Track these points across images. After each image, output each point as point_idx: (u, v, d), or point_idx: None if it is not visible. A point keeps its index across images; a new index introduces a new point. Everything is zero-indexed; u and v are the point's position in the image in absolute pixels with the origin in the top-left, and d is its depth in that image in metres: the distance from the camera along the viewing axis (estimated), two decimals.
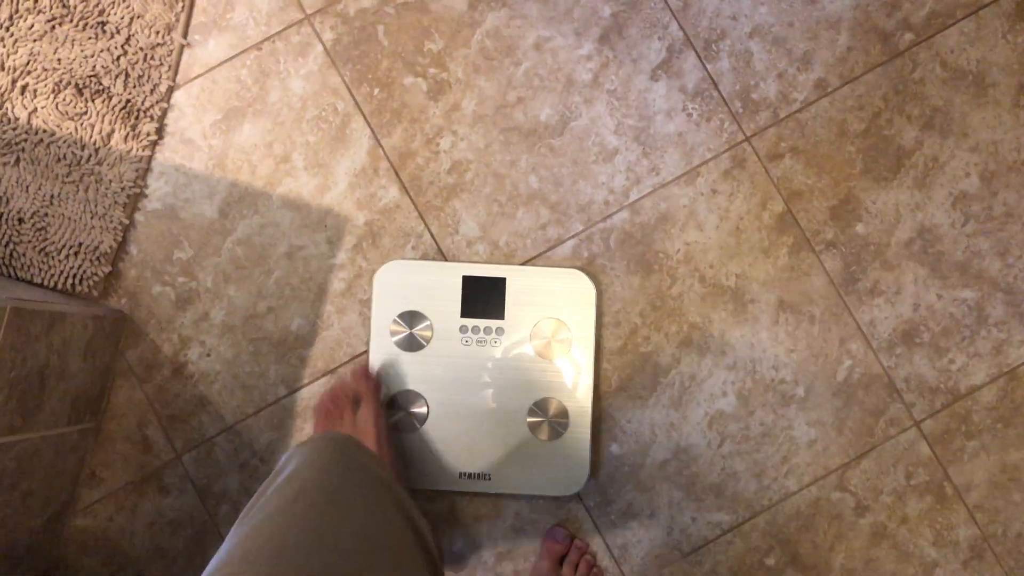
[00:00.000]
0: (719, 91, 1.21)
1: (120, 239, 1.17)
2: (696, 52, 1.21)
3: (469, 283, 1.17)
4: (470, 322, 1.16)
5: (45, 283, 1.14)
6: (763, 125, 1.21)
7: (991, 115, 1.21)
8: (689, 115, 1.21)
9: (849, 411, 1.19)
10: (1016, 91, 1.21)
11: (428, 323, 1.16)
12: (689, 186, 1.20)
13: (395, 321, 1.16)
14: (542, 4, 1.21)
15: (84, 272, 1.15)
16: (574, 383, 1.16)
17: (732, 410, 1.19)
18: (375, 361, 1.16)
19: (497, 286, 1.17)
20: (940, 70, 1.21)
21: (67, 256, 1.14)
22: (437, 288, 1.17)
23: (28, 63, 1.15)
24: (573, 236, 1.20)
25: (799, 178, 1.20)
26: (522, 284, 1.17)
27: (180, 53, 1.19)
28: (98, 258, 1.15)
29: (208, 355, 1.18)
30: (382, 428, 1.08)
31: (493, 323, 1.16)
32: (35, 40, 1.15)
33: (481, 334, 1.16)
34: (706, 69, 1.21)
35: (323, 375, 1.18)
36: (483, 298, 1.16)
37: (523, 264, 1.19)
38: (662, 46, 1.21)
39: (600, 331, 1.19)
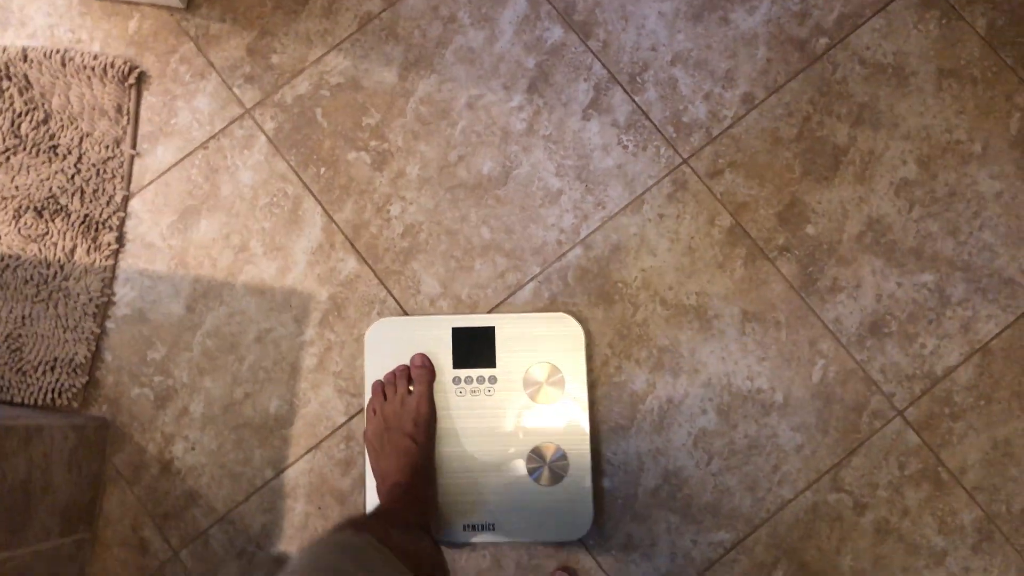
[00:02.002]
0: (650, 120, 1.20)
1: (94, 348, 1.14)
2: (622, 87, 1.20)
3: (459, 334, 1.13)
4: (462, 372, 1.13)
5: (25, 401, 1.12)
6: (698, 146, 1.19)
7: (916, 102, 1.19)
8: (625, 147, 1.19)
9: (831, 410, 1.14)
10: (936, 76, 1.19)
11: None
12: (636, 215, 1.18)
13: None
14: (469, 65, 1.21)
15: (62, 385, 1.12)
16: (570, 426, 1.12)
17: (714, 427, 1.14)
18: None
19: (487, 335, 1.13)
20: (860, 68, 1.20)
21: (44, 372, 1.12)
22: (427, 342, 1.13)
23: None
24: (532, 279, 1.17)
25: (742, 190, 1.18)
26: (511, 331, 1.13)
27: (131, 163, 1.19)
28: (74, 370, 1.13)
29: (193, 449, 1.15)
30: (425, 412, 1.09)
31: (485, 372, 1.13)
32: None
33: (474, 384, 1.12)
34: (634, 101, 1.20)
35: (307, 451, 1.14)
36: (474, 348, 1.13)
37: (488, 312, 1.16)
38: (589, 86, 1.20)
39: (591, 373, 1.15)
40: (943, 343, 1.15)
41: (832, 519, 1.12)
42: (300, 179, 1.19)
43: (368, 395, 1.13)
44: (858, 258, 1.16)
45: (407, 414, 1.09)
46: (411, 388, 1.11)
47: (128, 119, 1.18)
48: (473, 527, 1.10)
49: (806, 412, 1.14)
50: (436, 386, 1.12)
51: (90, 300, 1.14)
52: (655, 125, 1.19)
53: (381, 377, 1.13)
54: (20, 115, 1.15)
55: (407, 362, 1.13)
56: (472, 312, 1.16)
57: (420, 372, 1.12)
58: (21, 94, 1.16)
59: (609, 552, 1.12)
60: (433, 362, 1.13)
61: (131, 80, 1.19)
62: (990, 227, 1.17)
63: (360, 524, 0.88)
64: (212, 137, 1.20)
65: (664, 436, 1.14)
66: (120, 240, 1.18)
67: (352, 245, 1.18)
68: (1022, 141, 1.18)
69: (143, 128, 1.20)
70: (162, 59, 1.22)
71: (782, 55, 1.20)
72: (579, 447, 1.11)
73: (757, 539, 1.12)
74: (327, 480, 1.14)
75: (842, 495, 1.13)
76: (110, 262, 1.16)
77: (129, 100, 1.18)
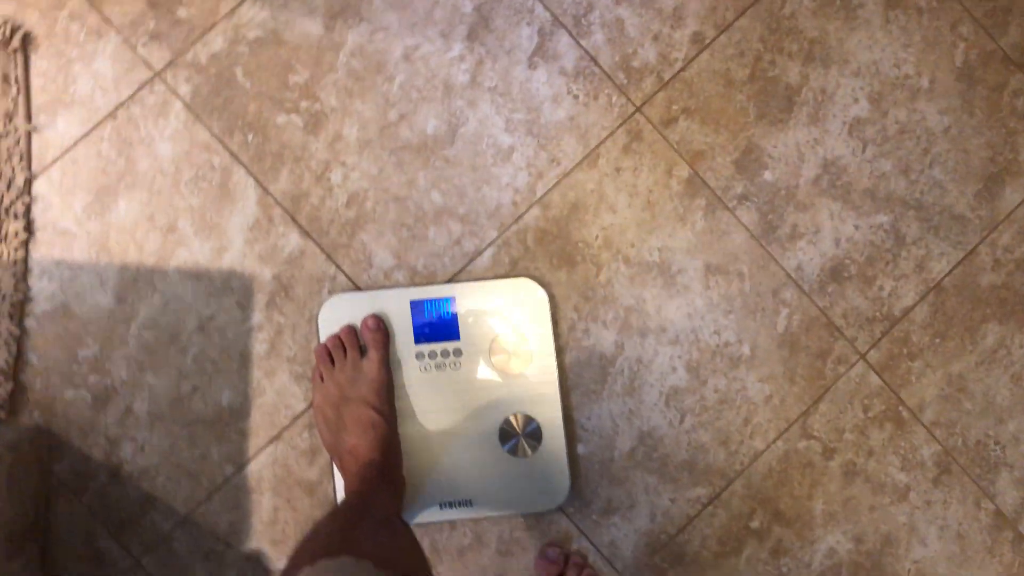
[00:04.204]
0: (599, 66, 1.41)
1: (15, 351, 1.28)
2: (567, 30, 1.41)
3: (418, 307, 1.33)
4: (425, 347, 1.32)
5: None
6: (650, 92, 1.42)
7: (865, 36, 1.45)
8: (575, 97, 1.40)
9: (797, 359, 1.41)
10: (883, 7, 1.45)
11: None
12: (592, 169, 1.40)
13: None
14: (401, 11, 1.38)
15: None
16: (541, 394, 1.34)
17: (685, 384, 1.39)
18: None
19: (447, 306, 1.33)
20: (808, 1, 1.45)
21: None
22: (385, 317, 1.32)
23: None
24: (490, 244, 1.38)
25: (698, 138, 1.42)
26: (472, 301, 1.34)
27: (29, 140, 1.31)
28: None
29: (142, 450, 1.31)
30: (385, 381, 1.29)
31: (449, 345, 1.33)
32: None
33: (439, 358, 1.32)
34: (581, 46, 1.41)
35: (268, 443, 1.33)
36: (435, 321, 1.33)
37: (447, 282, 1.36)
38: (532, 31, 1.40)
39: (559, 339, 1.38)
40: (899, 284, 1.44)
41: (803, 466, 1.41)
42: (226, 148, 1.34)
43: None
44: (816, 202, 1.43)
45: (366, 383, 1.28)
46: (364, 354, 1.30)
47: (18, 89, 1.29)
48: (450, 504, 1.32)
49: (773, 362, 1.41)
50: (400, 363, 1.32)
51: (3, 298, 1.27)
52: (605, 71, 1.41)
53: (325, 341, 1.31)
54: None
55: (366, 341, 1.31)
56: (430, 283, 1.36)
57: (375, 336, 1.30)
58: None
59: (589, 517, 1.37)
60: (394, 338, 1.32)
61: (15, 43, 1.30)
62: (939, 163, 1.45)
63: (351, 535, 1.03)
64: (120, 105, 1.34)
65: (636, 397, 1.38)
66: (29, 228, 1.31)
67: (292, 219, 1.35)
68: (967, 74, 1.46)
69: (37, 98, 1.33)
70: (48, 16, 1.34)
71: None
72: (551, 415, 1.34)
73: (733, 492, 1.39)
74: (293, 471, 1.33)
75: (811, 442, 1.41)
76: (20, 254, 1.28)
77: (16, 67, 1.29)
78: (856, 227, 1.43)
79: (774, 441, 1.41)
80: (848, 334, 1.42)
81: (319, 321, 1.32)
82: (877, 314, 1.43)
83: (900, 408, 1.43)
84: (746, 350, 1.41)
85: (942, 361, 1.44)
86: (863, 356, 1.43)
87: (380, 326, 1.31)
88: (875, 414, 1.42)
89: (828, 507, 1.41)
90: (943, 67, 1.46)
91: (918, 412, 1.43)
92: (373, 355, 1.29)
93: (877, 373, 1.43)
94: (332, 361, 1.29)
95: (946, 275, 1.44)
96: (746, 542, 1.40)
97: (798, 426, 1.41)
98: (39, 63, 1.33)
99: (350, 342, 1.30)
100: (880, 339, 1.43)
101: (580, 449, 1.38)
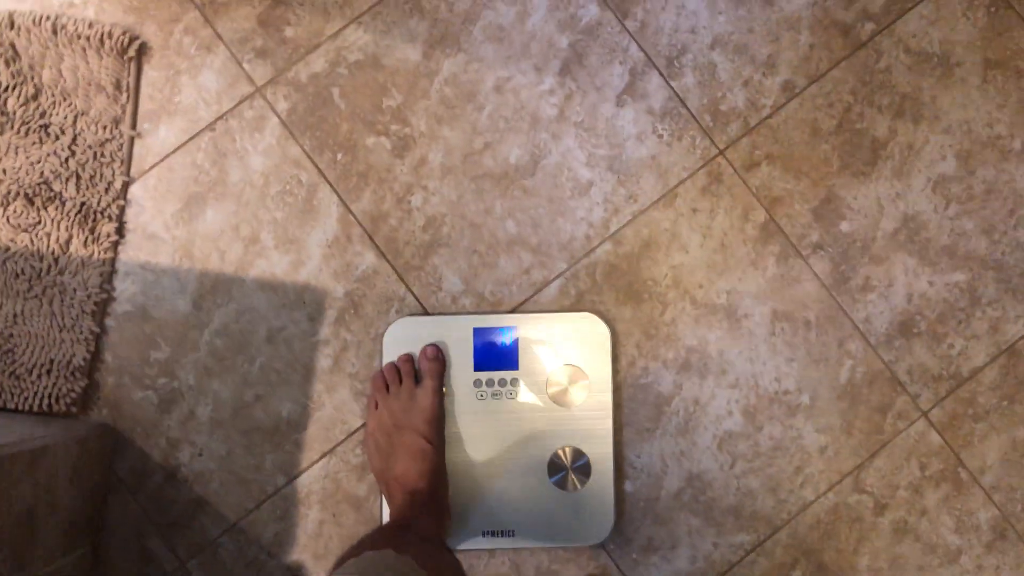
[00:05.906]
0: (687, 108, 1.27)
1: (93, 349, 1.20)
2: (659, 71, 1.27)
3: (481, 335, 1.22)
4: (484, 375, 1.22)
5: (20, 407, 1.18)
6: (735, 136, 1.27)
7: (960, 94, 1.28)
8: (660, 136, 1.27)
9: (856, 411, 1.27)
10: (982, 67, 1.28)
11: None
12: (669, 208, 1.27)
13: None
14: (497, 44, 1.26)
15: (60, 390, 1.18)
16: (594, 429, 1.22)
17: (740, 428, 1.26)
18: None
19: (509, 336, 1.22)
20: (904, 56, 1.28)
21: (39, 376, 1.18)
22: (448, 343, 1.22)
23: None
24: (558, 276, 1.26)
25: (778, 184, 1.27)
26: (535, 332, 1.23)
27: (131, 145, 1.22)
28: (72, 372, 1.19)
29: (200, 455, 1.23)
30: (437, 410, 1.19)
31: (508, 374, 1.22)
32: None
33: (496, 387, 1.22)
34: (671, 87, 1.27)
35: (321, 457, 1.24)
36: (496, 349, 1.22)
37: (511, 311, 1.25)
38: (624, 70, 1.27)
39: (617, 375, 1.25)
40: (971, 344, 1.28)
41: (852, 520, 1.27)
42: (315, 165, 1.25)
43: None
44: (891, 256, 1.27)
45: (418, 411, 1.18)
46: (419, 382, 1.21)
47: (127, 96, 1.21)
48: (493, 533, 1.21)
49: (831, 414, 1.27)
50: (457, 389, 1.22)
51: (88, 296, 1.19)
52: (692, 113, 1.27)
53: (382, 367, 1.22)
54: (7, 89, 1.18)
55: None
56: (495, 310, 1.25)
57: (432, 366, 1.20)
58: (8, 66, 1.18)
59: (629, 555, 1.25)
60: (454, 363, 1.22)
61: (131, 52, 1.21)
62: None
63: (396, 542, 0.97)
64: (220, 118, 1.24)
65: (689, 439, 1.26)
66: (120, 231, 1.22)
67: (370, 238, 1.25)
68: None
69: (144, 106, 1.24)
70: (164, 29, 1.25)
71: (825, 41, 1.27)
72: (602, 450, 1.22)
73: (777, 541, 1.26)
74: (342, 486, 1.24)
75: (863, 496, 1.27)
76: (109, 255, 1.21)
77: (128, 75, 1.21)
78: (931, 283, 1.27)
79: (825, 493, 1.27)
80: (912, 390, 1.27)
81: (384, 342, 1.22)
82: (944, 372, 1.28)
83: (959, 469, 1.27)
84: (805, 399, 1.27)
85: (1008, 425, 1.28)
86: (925, 414, 1.27)
87: (438, 355, 1.21)
88: (932, 473, 1.27)
89: (874, 564, 1.27)
90: None
91: (978, 475, 1.27)
92: (428, 384, 1.19)
93: (938, 432, 1.28)
94: (388, 389, 1.20)
95: (1021, 338, 1.28)
96: None
97: (851, 479, 1.27)
98: (150, 73, 1.24)
99: (406, 370, 1.20)
100: (944, 398, 1.28)
101: (627, 486, 1.25)
